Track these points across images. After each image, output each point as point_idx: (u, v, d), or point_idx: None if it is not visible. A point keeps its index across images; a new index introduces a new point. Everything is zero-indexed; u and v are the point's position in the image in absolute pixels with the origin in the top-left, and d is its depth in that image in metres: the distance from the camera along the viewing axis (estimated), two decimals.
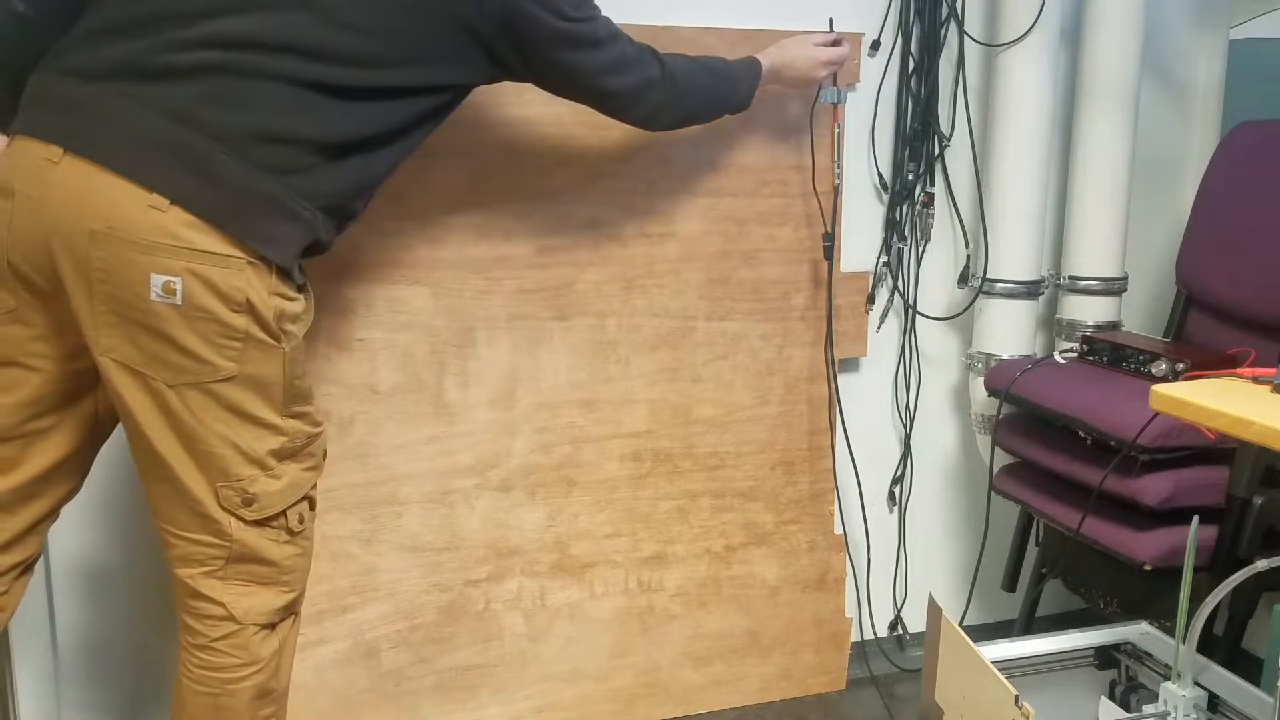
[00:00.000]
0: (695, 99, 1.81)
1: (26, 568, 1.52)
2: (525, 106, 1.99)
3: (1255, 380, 1.40)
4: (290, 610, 1.52)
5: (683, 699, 2.25)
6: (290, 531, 1.47)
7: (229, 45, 1.34)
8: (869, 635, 2.41)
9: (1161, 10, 2.42)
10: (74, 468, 1.52)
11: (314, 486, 1.51)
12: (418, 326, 2.00)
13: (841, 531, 2.33)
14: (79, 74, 1.35)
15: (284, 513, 1.45)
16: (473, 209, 2.00)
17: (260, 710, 1.49)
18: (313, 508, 1.52)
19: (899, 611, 2.46)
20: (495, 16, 1.50)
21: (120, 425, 1.46)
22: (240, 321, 1.35)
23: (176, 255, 1.31)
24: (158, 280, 1.30)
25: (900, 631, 2.47)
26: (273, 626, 1.49)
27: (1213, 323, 2.23)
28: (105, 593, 1.97)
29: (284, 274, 1.40)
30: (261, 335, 1.38)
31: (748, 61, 1.91)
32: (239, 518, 1.42)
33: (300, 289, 1.46)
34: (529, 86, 1.99)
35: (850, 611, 2.36)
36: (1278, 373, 1.37)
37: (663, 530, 2.19)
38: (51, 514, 1.53)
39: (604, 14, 1.65)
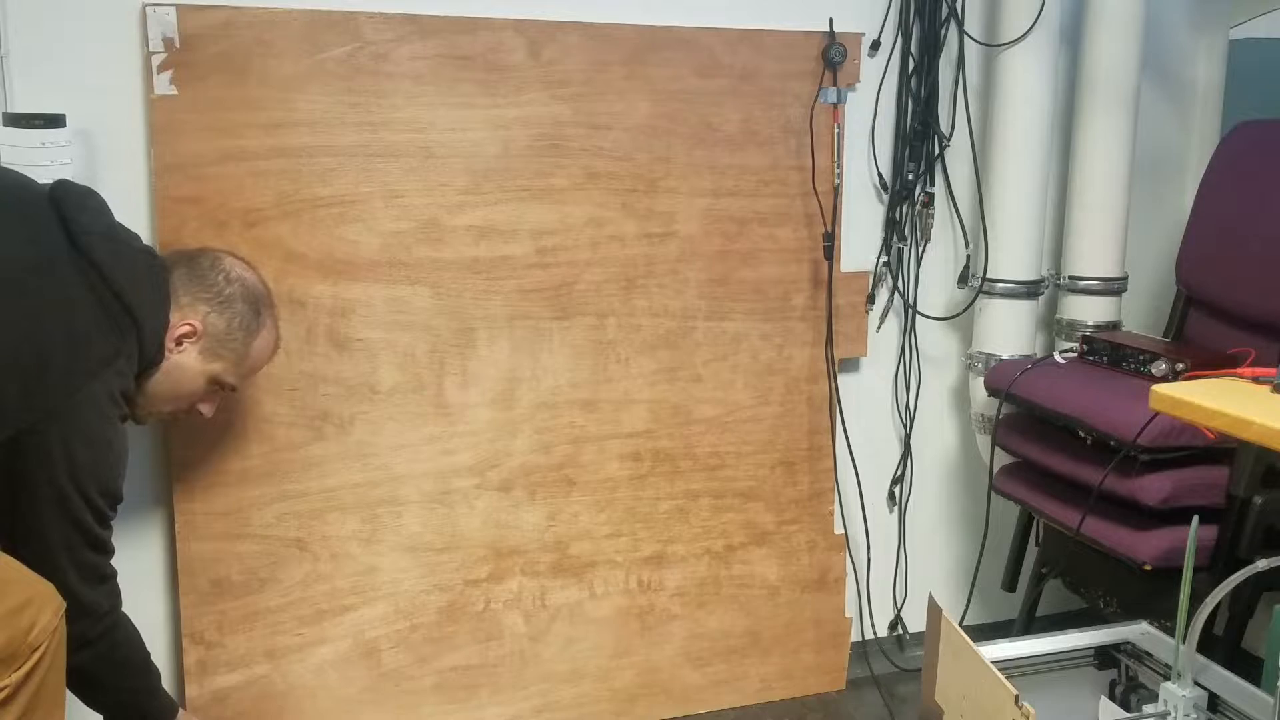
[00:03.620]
0: (122, 668, 1.62)
1: None
2: (525, 106, 1.99)
3: (1255, 380, 1.40)
4: None
5: (683, 699, 2.25)
6: None
7: None
8: (869, 635, 2.41)
9: (1161, 10, 2.42)
10: None
11: None
12: (418, 326, 2.00)
13: (841, 531, 2.33)
14: None
15: None
16: (473, 209, 2.00)
17: None
18: None
19: (899, 611, 2.46)
20: (12, 423, 1.40)
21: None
22: None
23: None
24: None
25: (900, 631, 2.47)
26: None
27: (1213, 323, 2.23)
28: None
29: None
30: None
31: (173, 706, 1.74)
32: None
33: None
34: (529, 86, 2.01)
35: (850, 611, 2.36)
36: (1278, 373, 1.37)
37: (663, 530, 2.19)
38: None
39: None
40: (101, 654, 1.56)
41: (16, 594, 1.39)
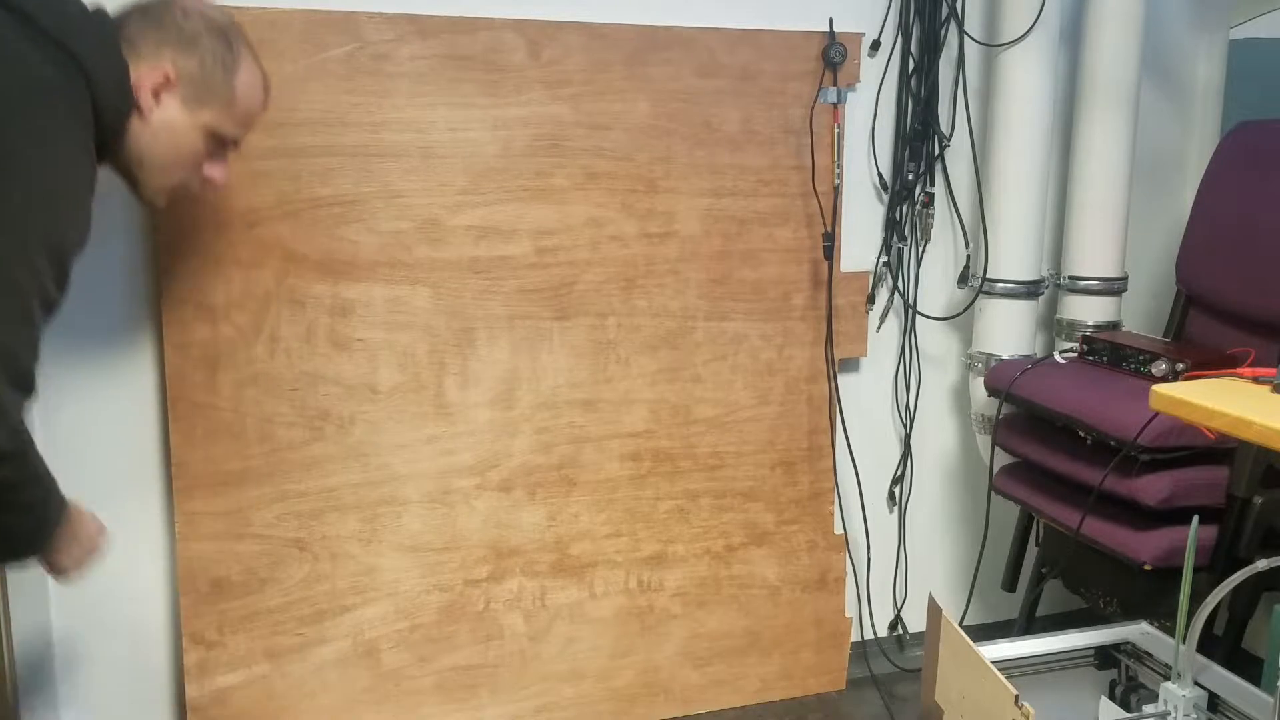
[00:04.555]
0: (34, 486, 1.34)
1: None
2: (525, 106, 1.99)
3: (1255, 380, 1.40)
4: None
5: (683, 699, 2.25)
6: None
7: None
8: (869, 635, 2.41)
9: (1161, 10, 2.42)
10: None
11: None
12: (418, 326, 2.00)
13: (841, 531, 2.33)
14: None
15: None
16: (473, 209, 2.00)
17: None
18: None
19: (899, 611, 2.46)
20: None
21: None
22: None
23: None
24: None
25: (900, 631, 2.47)
26: None
27: (1213, 323, 2.23)
28: (103, 600, 1.97)
29: None
30: None
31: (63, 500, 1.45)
32: None
33: None
34: (529, 86, 2.01)
35: (850, 611, 2.36)
36: (1278, 373, 1.37)
37: (663, 530, 2.19)
38: None
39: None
40: (16, 454, 1.28)
41: None
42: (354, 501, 2.00)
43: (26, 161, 1.26)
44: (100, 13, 1.45)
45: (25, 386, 1.28)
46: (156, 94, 1.47)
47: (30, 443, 1.31)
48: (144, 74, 1.46)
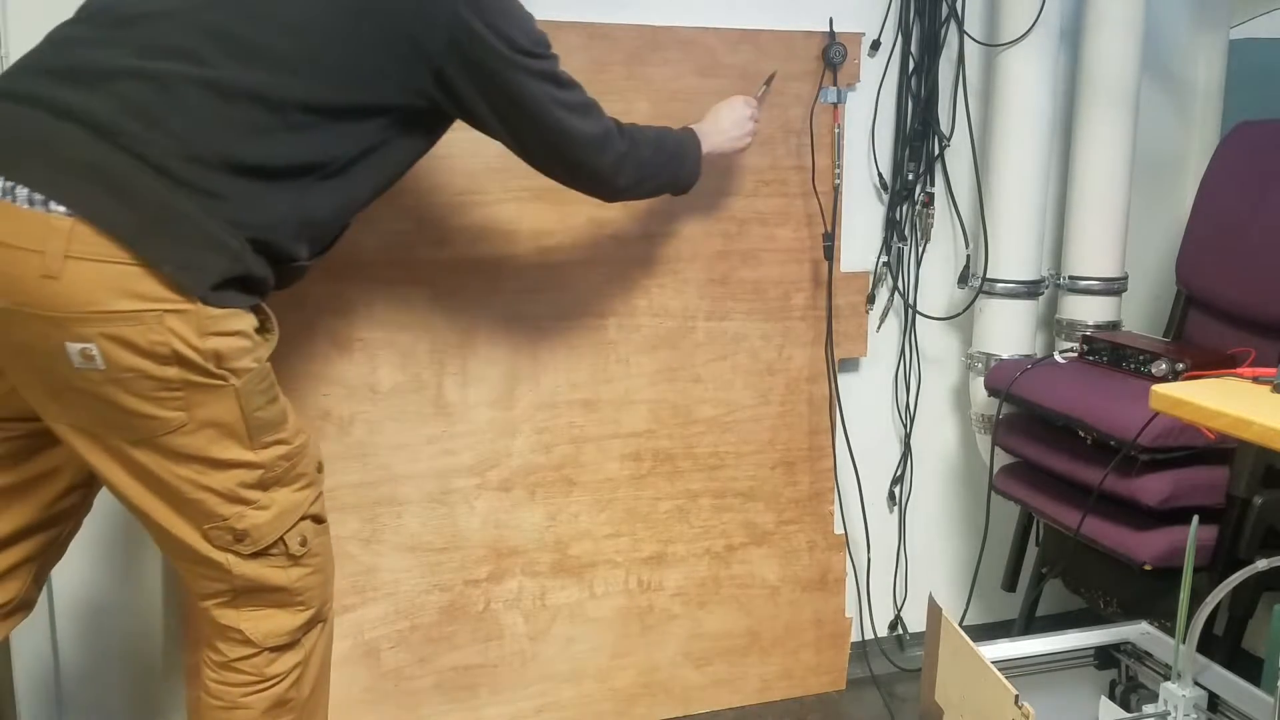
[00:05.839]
0: (652, 158, 1.75)
1: (12, 610, 1.50)
2: None
3: (1255, 380, 1.40)
4: (313, 623, 1.48)
5: (683, 699, 2.25)
6: (291, 556, 1.42)
7: (152, 54, 1.30)
8: (869, 635, 2.41)
9: (1161, 10, 2.42)
10: (52, 516, 1.49)
11: (315, 501, 1.46)
12: (418, 326, 2.00)
13: (841, 531, 2.33)
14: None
15: (281, 539, 1.40)
16: (473, 209, 2.00)
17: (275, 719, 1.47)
18: (320, 521, 1.47)
19: (899, 611, 2.46)
20: (443, 29, 1.41)
21: None
22: (172, 373, 1.27)
23: (85, 322, 1.23)
24: (74, 348, 1.24)
25: (900, 631, 2.47)
26: (292, 644, 1.46)
27: (1213, 323, 2.23)
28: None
29: (220, 309, 1.31)
30: (202, 379, 1.29)
31: (687, 131, 1.87)
32: (235, 553, 1.38)
33: (260, 321, 1.42)
34: None
35: (850, 611, 2.36)
36: (1278, 373, 1.37)
37: (663, 530, 2.19)
38: (33, 558, 1.49)
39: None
40: (630, 152, 1.68)
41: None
42: (354, 501, 2.00)
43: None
44: None
45: (590, 105, 1.65)
46: None
47: (633, 144, 1.70)
48: None
